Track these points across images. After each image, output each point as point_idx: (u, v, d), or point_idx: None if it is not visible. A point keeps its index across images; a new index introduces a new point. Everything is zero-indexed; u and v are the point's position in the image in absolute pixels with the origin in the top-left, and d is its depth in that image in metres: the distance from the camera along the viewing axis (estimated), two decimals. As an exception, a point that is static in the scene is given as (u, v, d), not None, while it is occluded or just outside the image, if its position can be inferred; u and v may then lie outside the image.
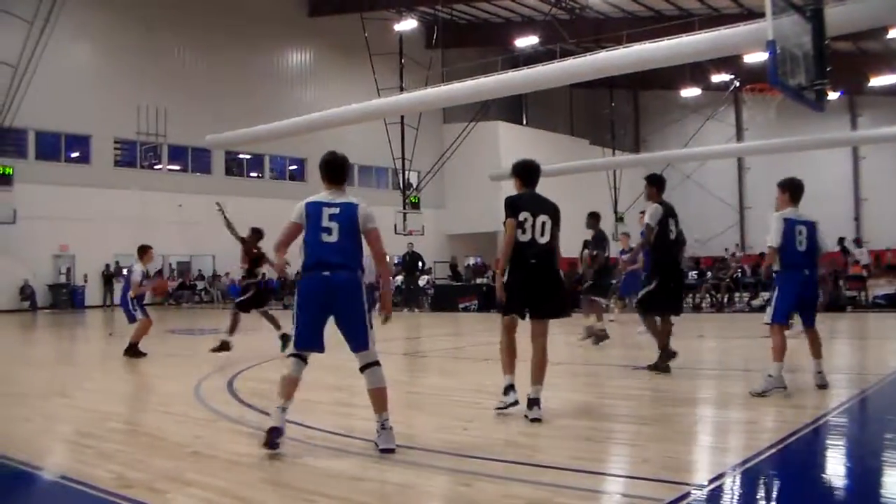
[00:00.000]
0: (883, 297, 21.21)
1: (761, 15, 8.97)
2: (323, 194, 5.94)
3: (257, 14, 40.59)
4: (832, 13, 10.93)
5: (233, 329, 12.78)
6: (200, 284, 39.47)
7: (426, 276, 31.91)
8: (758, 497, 4.77)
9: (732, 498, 4.71)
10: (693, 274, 26.19)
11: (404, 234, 34.15)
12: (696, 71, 40.70)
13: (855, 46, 38.70)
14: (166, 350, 13.94)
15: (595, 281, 13.46)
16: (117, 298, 31.18)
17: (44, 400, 8.59)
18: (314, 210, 5.80)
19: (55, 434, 6.90)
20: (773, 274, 8.11)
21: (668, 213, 9.70)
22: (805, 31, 9.76)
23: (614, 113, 52.36)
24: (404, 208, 36.37)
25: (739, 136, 52.12)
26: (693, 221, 50.06)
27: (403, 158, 37.81)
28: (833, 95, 35.41)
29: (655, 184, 9.99)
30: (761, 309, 20.00)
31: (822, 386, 7.85)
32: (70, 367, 13.17)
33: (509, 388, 6.99)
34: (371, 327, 5.75)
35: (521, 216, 6.95)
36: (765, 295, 22.70)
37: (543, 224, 6.99)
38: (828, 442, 6.25)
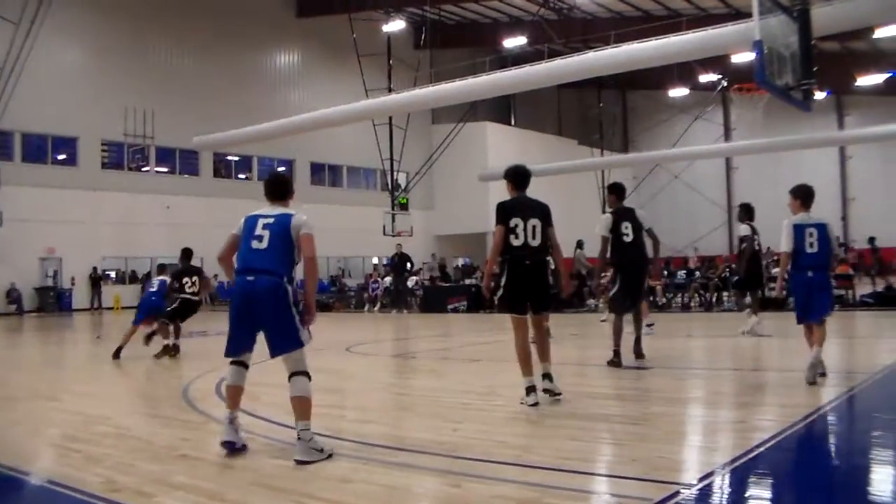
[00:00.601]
0: (870, 296, 21.28)
1: (749, 15, 9.01)
2: (265, 209, 6.05)
3: (245, 15, 40.55)
4: (818, 13, 10.99)
5: (167, 335, 13.32)
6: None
7: (415, 277, 31.91)
8: (747, 496, 4.78)
9: (721, 497, 4.72)
10: (682, 273, 26.25)
11: (393, 236, 34.10)
12: (683, 71, 40.81)
13: (841, 46, 38.84)
14: (154, 352, 13.88)
15: None
16: (105, 301, 31.28)
17: (31, 403, 8.56)
18: (251, 221, 5.94)
19: (43, 438, 6.87)
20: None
21: (620, 218, 10.13)
22: (792, 31, 9.80)
23: (602, 113, 52.44)
24: (393, 209, 36.32)
25: (727, 135, 52.28)
26: (682, 221, 50.44)
27: (392, 159, 37.78)
28: (820, 95, 35.55)
29: (614, 192, 10.56)
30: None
31: (812, 382, 7.98)
32: (58, 371, 13.12)
33: (531, 390, 7.31)
34: (303, 327, 5.76)
35: (513, 222, 7.34)
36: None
37: (534, 227, 7.38)
38: (816, 440, 6.26)
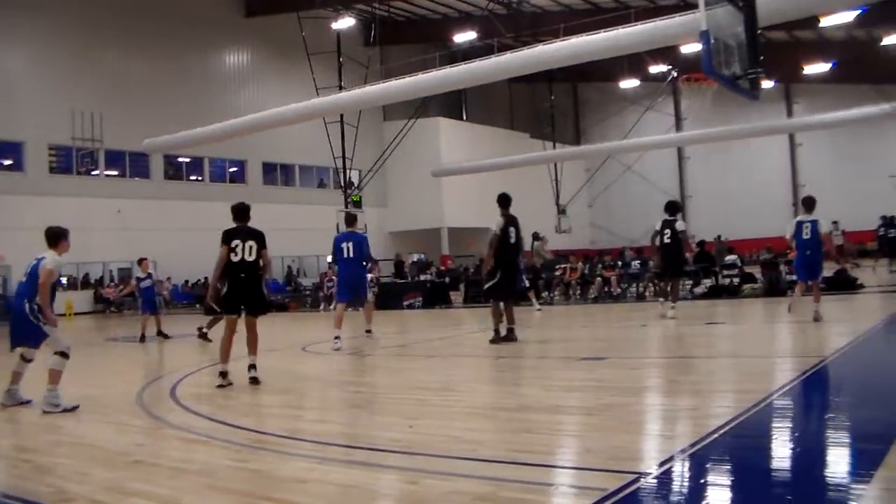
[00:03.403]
0: (821, 281, 21.53)
1: (696, 6, 9.05)
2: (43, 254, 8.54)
3: (193, 15, 40.20)
4: (764, 3, 11.06)
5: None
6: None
7: (370, 275, 31.74)
8: (704, 482, 4.80)
9: (680, 484, 4.73)
10: (636, 263, 26.40)
11: (347, 234, 33.85)
12: (633, 62, 41.07)
13: (788, 35, 39.36)
14: (108, 358, 13.72)
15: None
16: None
17: (-20, 414, 8.40)
18: (29, 263, 8.56)
19: (-8, 449, 6.74)
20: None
21: (509, 223, 12.39)
22: (738, 20, 9.86)
23: (554, 106, 52.67)
24: (346, 207, 36.19)
25: (678, 125, 52.77)
26: (635, 212, 50.87)
27: (344, 157, 37.62)
28: (767, 84, 36.00)
29: (501, 203, 12.64)
30: (704, 297, 20.42)
31: (817, 320, 12.53)
32: (5, 380, 12.87)
33: (224, 375, 9.21)
34: (41, 325, 8.32)
35: (233, 243, 9.29)
36: (706, 282, 23.02)
37: (251, 247, 9.34)
38: (772, 424, 6.30)
